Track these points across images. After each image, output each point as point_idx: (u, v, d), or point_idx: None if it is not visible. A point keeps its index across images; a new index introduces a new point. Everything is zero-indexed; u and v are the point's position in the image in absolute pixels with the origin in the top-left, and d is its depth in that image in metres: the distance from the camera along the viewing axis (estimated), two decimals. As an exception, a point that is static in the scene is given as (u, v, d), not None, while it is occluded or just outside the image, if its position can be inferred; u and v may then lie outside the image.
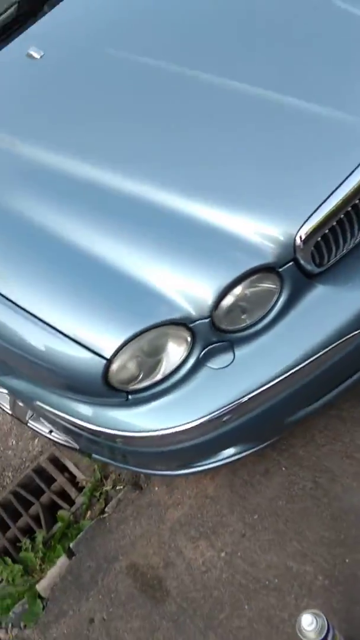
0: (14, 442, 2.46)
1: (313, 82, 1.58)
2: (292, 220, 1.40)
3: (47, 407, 1.70)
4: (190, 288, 1.41)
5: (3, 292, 1.54)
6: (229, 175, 1.50)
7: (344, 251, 1.50)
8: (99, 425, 1.61)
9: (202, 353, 1.47)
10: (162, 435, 1.52)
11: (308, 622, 1.27)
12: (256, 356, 1.49)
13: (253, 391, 1.46)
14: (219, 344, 1.47)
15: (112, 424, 1.58)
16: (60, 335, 1.43)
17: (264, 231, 1.41)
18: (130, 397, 1.49)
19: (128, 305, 1.42)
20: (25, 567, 2.06)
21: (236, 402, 1.46)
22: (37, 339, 1.48)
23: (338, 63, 1.60)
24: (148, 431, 1.53)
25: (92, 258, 1.48)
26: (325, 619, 1.29)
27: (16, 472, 2.37)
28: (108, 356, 1.38)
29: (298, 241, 1.39)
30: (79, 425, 1.67)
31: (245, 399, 1.45)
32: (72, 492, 2.19)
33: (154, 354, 1.45)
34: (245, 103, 1.59)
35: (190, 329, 1.42)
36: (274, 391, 1.48)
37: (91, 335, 1.42)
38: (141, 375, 1.46)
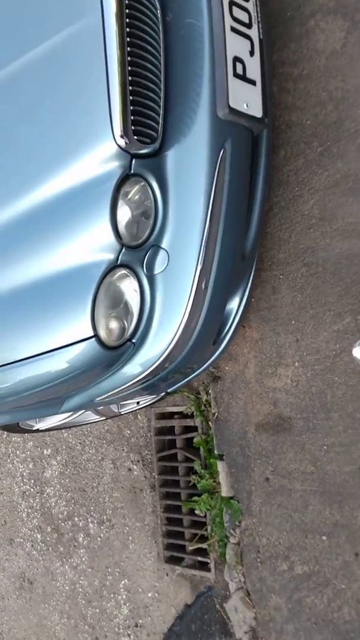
0: (128, 432, 2.83)
1: None
2: (101, 135, 1.57)
3: (106, 395, 1.99)
4: (92, 242, 1.64)
5: None
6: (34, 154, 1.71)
7: (160, 117, 1.64)
8: (144, 370, 1.88)
9: (145, 269, 1.70)
10: (182, 333, 1.76)
11: (358, 352, 1.54)
12: (178, 229, 1.69)
13: (200, 247, 1.67)
14: (149, 252, 1.70)
15: (149, 362, 1.84)
16: (52, 353, 1.70)
17: (95, 161, 1.60)
18: (134, 340, 1.76)
19: (69, 294, 1.67)
20: (207, 491, 2.45)
21: (199, 265, 1.68)
22: (47, 368, 1.74)
23: None
24: (170, 341, 1.77)
25: (13, 291, 1.73)
26: (367, 339, 1.56)
27: (148, 447, 2.74)
28: (92, 333, 1.65)
29: (121, 142, 1.57)
30: (135, 382, 1.95)
31: (202, 254, 1.67)
32: (189, 422, 2.55)
33: (119, 302, 1.70)
34: None
35: (122, 265, 1.66)
36: (213, 233, 1.68)
37: (68, 333, 1.67)
38: (125, 323, 1.72)
